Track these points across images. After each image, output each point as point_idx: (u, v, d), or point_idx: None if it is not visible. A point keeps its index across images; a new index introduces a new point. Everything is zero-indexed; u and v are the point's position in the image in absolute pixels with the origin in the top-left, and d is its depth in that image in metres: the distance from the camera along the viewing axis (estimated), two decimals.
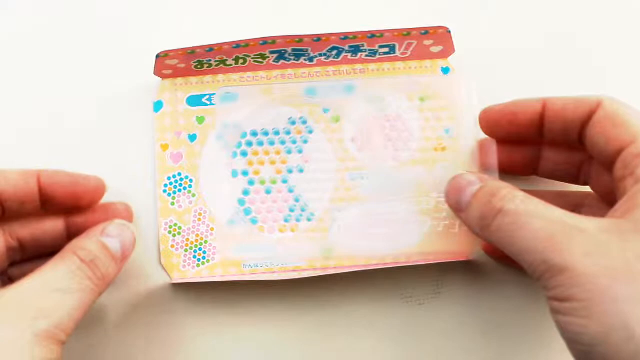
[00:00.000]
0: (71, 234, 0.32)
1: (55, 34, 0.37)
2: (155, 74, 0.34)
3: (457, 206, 0.30)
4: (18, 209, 0.30)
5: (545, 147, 0.33)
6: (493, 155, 0.33)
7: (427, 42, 0.34)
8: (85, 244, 0.29)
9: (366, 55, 0.35)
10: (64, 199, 0.31)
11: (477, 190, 0.29)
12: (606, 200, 0.31)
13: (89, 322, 0.34)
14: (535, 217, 0.26)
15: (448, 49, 0.35)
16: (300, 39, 0.33)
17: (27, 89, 0.36)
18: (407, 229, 0.34)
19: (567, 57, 0.37)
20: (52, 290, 0.27)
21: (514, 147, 0.33)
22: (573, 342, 0.24)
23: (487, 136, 0.33)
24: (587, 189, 0.33)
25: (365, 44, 0.34)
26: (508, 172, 0.34)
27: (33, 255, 0.32)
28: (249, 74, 0.35)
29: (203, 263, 0.34)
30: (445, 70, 0.35)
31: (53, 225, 0.32)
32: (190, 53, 0.33)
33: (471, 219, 0.29)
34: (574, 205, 0.32)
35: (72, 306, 0.27)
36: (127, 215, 0.33)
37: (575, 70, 0.37)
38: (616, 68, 0.37)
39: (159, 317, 0.34)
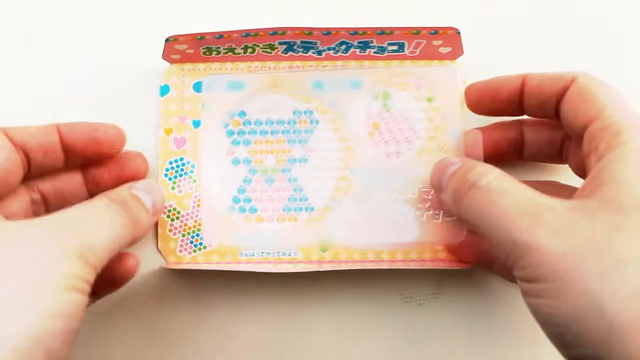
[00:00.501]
0: (92, 188, 0.33)
1: (61, 16, 0.37)
2: (163, 58, 0.35)
3: (438, 186, 0.31)
4: (42, 161, 0.31)
5: (527, 129, 0.33)
6: (478, 146, 0.33)
7: (436, 43, 0.34)
8: (116, 190, 0.30)
9: (375, 52, 0.35)
10: (85, 147, 0.32)
11: (457, 169, 0.30)
12: (582, 177, 0.31)
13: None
14: (506, 194, 0.26)
15: (457, 51, 0.35)
16: (309, 31, 0.33)
17: (33, 70, 0.36)
18: (407, 226, 0.34)
19: (570, 57, 0.37)
20: (81, 218, 0.27)
21: (498, 132, 0.34)
22: (545, 323, 0.24)
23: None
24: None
25: (374, 40, 0.34)
26: (494, 158, 0.33)
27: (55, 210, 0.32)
28: (256, 63, 0.35)
29: (200, 249, 0.34)
30: None
31: (74, 179, 0.33)
32: (199, 39, 0.33)
33: (448, 195, 0.29)
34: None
35: (102, 232, 0.27)
36: (144, 164, 0.34)
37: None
38: (618, 68, 0.37)
39: (153, 302, 0.34)
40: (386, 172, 0.35)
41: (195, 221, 0.35)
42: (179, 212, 0.34)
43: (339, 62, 0.36)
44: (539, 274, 0.24)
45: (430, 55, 0.35)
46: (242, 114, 0.35)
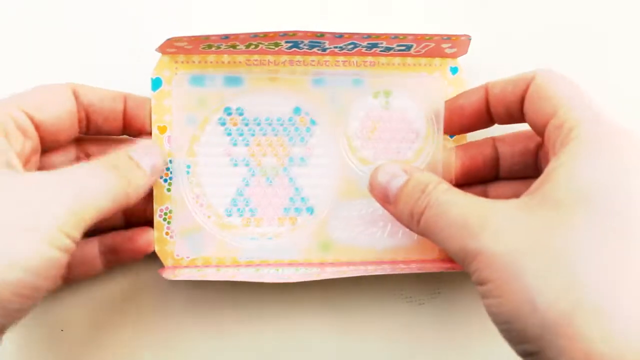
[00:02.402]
0: None
1: (59, 15, 0.35)
2: (157, 50, 0.32)
3: (384, 199, 0.31)
4: (100, 126, 0.32)
5: (500, 144, 0.34)
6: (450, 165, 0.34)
7: (444, 45, 0.33)
8: (112, 154, 0.30)
9: (381, 51, 0.34)
10: (144, 123, 0.33)
11: (404, 183, 0.30)
12: None
13: (80, 311, 0.33)
14: (453, 205, 0.27)
15: (461, 51, 0.34)
16: (321, 34, 0.31)
17: (26, 65, 0.35)
18: (405, 229, 0.34)
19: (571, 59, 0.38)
20: (77, 175, 0.27)
21: (472, 150, 0.34)
22: (495, 322, 0.25)
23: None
24: None
25: (384, 42, 0.32)
26: (472, 179, 0.34)
27: None
28: (255, 56, 0.33)
29: (198, 252, 0.33)
30: (454, 70, 0.35)
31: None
32: (204, 39, 0.30)
33: (400, 213, 0.30)
34: None
35: (95, 189, 0.27)
36: None
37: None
38: (619, 66, 0.38)
39: (151, 306, 0.34)
40: None
41: (193, 224, 0.33)
42: (175, 215, 0.33)
43: (341, 58, 0.34)
44: (484, 275, 0.25)
45: (433, 53, 0.34)
46: (240, 111, 0.33)
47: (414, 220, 0.29)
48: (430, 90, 0.35)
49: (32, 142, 0.29)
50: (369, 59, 0.34)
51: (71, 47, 0.35)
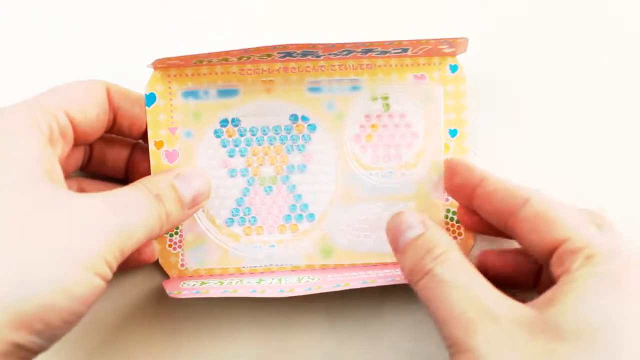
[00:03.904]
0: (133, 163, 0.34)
1: (58, 23, 0.35)
2: (149, 66, 0.31)
3: (395, 246, 0.30)
4: (125, 130, 0.32)
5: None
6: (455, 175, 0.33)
7: (442, 46, 0.32)
8: (156, 179, 0.30)
9: (377, 54, 0.33)
10: None
11: (416, 237, 0.29)
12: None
13: (85, 323, 0.34)
14: (456, 289, 0.26)
15: (459, 50, 0.33)
16: (314, 45, 0.30)
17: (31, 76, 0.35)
18: None
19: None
20: (122, 204, 0.27)
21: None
22: None
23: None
24: None
25: (379, 48, 0.32)
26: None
27: (93, 170, 0.34)
28: (249, 66, 0.33)
29: (201, 262, 0.34)
30: (454, 68, 0.34)
31: (120, 151, 0.33)
32: (194, 57, 0.30)
33: (403, 265, 0.29)
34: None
35: (139, 221, 0.27)
36: None
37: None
38: (619, 67, 0.37)
39: (151, 306, 0.35)
40: (387, 178, 0.34)
41: (195, 235, 0.34)
42: (177, 227, 0.33)
43: (337, 62, 0.33)
44: None
45: (432, 53, 0.33)
46: (236, 121, 0.33)
47: (413, 278, 0.28)
48: (429, 91, 0.34)
49: (68, 147, 0.29)
50: (365, 61, 0.33)
51: (73, 52, 0.35)
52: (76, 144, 0.30)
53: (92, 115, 0.29)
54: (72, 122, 0.28)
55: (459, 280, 0.26)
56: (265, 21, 0.36)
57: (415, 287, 0.28)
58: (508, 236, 0.31)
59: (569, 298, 0.25)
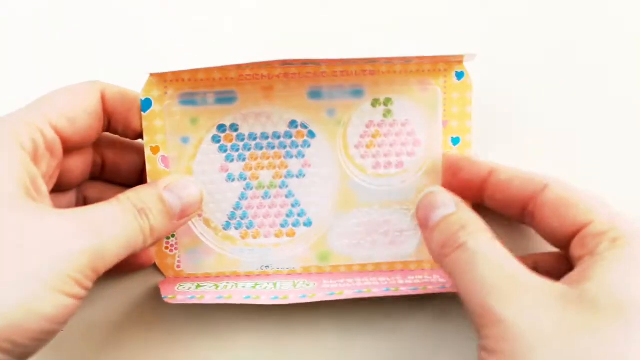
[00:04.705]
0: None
1: (58, 28, 0.34)
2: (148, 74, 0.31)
3: (424, 222, 0.30)
4: (122, 131, 0.32)
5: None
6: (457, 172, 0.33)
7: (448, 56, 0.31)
8: (142, 192, 0.29)
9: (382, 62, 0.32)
10: None
11: (449, 214, 0.29)
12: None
13: (81, 310, 0.34)
14: (490, 263, 0.26)
15: (468, 57, 0.32)
16: (317, 61, 0.29)
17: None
18: (405, 238, 0.35)
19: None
20: (98, 220, 0.27)
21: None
22: None
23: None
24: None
25: (382, 60, 0.30)
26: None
27: (109, 178, 0.34)
28: (247, 72, 0.32)
29: (198, 265, 0.34)
30: (460, 75, 0.33)
31: (134, 155, 0.33)
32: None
33: (433, 241, 0.29)
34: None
35: (115, 237, 0.27)
36: None
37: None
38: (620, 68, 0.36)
39: (151, 306, 0.35)
40: (387, 185, 0.34)
41: (192, 238, 0.34)
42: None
43: (339, 68, 0.32)
44: (498, 347, 0.24)
45: (437, 59, 0.32)
46: (235, 127, 0.32)
47: (443, 252, 0.28)
48: (433, 98, 0.33)
49: (56, 160, 0.29)
50: (369, 67, 0.32)
51: (73, 52, 0.34)
52: (68, 152, 0.30)
53: (80, 123, 0.29)
54: (60, 133, 0.28)
55: (493, 253, 0.27)
56: (266, 21, 0.35)
57: (444, 261, 0.28)
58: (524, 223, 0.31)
59: (601, 275, 0.25)
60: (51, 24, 0.35)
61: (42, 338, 0.25)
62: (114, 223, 0.27)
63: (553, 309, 0.24)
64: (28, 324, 0.24)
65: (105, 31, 0.35)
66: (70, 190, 0.32)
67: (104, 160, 0.33)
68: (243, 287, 0.33)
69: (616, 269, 0.25)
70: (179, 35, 0.35)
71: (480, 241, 0.27)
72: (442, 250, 0.28)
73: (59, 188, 0.31)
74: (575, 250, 0.28)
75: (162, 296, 0.32)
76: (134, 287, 0.35)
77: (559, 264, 0.31)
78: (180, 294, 0.32)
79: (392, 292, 0.32)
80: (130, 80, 0.32)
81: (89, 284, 0.26)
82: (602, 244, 0.26)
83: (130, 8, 0.34)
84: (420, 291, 0.33)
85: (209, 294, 0.32)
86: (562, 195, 0.29)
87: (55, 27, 0.35)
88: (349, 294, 0.32)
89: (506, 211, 0.31)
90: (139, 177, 0.33)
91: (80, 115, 0.29)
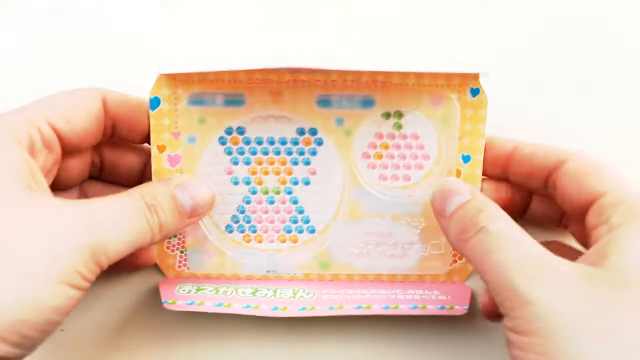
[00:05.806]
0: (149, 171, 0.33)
1: (60, 32, 0.35)
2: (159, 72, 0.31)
3: (441, 210, 0.30)
4: (125, 134, 0.32)
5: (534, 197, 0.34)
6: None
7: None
8: (155, 188, 0.29)
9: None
10: None
11: (466, 202, 0.29)
12: (582, 244, 0.32)
13: (81, 310, 0.34)
14: (515, 244, 0.26)
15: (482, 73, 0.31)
16: (327, 72, 0.29)
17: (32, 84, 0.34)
18: (408, 251, 0.34)
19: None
20: (103, 214, 0.26)
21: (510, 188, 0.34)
22: None
23: None
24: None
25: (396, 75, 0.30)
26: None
27: (108, 178, 0.34)
28: (257, 75, 0.31)
29: (199, 266, 0.34)
30: (475, 92, 0.32)
31: (134, 156, 0.33)
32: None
33: (451, 228, 0.29)
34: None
35: (120, 233, 0.27)
36: None
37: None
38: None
39: (151, 306, 0.35)
40: (393, 197, 0.33)
41: (194, 239, 0.34)
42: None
43: (350, 77, 0.32)
44: (530, 328, 0.24)
45: (452, 75, 0.31)
46: (241, 130, 0.32)
47: (463, 237, 0.28)
48: (446, 114, 0.32)
49: (54, 156, 0.29)
50: (380, 78, 0.32)
51: (73, 52, 0.34)
52: (67, 153, 0.30)
53: (79, 125, 0.29)
54: (57, 132, 0.28)
55: (515, 235, 0.27)
56: (266, 21, 0.34)
57: (464, 246, 0.28)
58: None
59: (623, 250, 0.25)
60: (51, 24, 0.35)
61: (48, 329, 0.25)
62: (121, 217, 0.27)
63: (582, 289, 0.24)
64: (35, 317, 0.24)
65: (104, 31, 0.35)
66: (70, 188, 0.32)
67: (103, 160, 0.33)
68: (243, 292, 0.33)
69: (636, 241, 0.25)
70: (179, 35, 0.35)
71: (501, 223, 0.27)
72: (461, 236, 0.28)
73: (58, 186, 0.31)
74: (591, 218, 0.28)
75: (162, 301, 0.32)
76: (134, 287, 0.35)
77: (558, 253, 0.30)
78: (180, 298, 0.32)
79: (390, 311, 0.32)
80: (131, 82, 0.32)
81: (92, 277, 0.26)
82: (617, 214, 0.26)
83: (130, 8, 0.35)
84: (418, 311, 0.32)
85: (209, 300, 0.32)
86: (582, 166, 0.29)
87: (56, 29, 0.35)
88: (348, 309, 0.32)
89: (530, 183, 0.32)
90: (138, 178, 0.33)
91: (78, 117, 0.29)
